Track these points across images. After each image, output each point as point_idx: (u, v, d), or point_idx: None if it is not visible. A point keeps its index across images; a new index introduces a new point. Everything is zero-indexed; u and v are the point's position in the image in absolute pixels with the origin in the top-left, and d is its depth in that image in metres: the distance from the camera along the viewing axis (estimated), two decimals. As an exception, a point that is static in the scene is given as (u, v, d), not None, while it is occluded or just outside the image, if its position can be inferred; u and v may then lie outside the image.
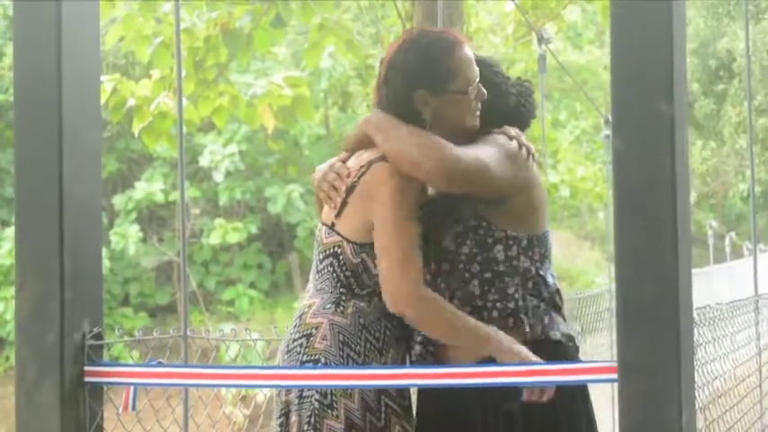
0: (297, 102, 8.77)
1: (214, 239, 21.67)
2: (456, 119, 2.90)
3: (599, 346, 8.11)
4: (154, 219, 23.02)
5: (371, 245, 2.80)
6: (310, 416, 2.76)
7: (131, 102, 8.32)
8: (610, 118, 3.26)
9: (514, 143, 2.92)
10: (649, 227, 2.10)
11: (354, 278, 2.83)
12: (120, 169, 22.77)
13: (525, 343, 2.80)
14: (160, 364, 2.54)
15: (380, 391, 2.78)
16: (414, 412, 2.89)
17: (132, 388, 2.54)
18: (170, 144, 8.66)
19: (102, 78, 7.82)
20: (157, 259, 22.24)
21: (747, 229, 27.57)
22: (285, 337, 2.92)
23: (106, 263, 19.63)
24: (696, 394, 2.39)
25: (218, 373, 2.61)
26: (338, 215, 2.86)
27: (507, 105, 3.05)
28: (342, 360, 2.77)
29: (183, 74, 7.59)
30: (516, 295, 2.84)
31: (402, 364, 2.86)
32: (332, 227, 2.88)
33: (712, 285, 19.29)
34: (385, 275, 2.75)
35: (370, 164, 2.82)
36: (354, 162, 2.88)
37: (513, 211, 2.88)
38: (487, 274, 2.85)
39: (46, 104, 2.40)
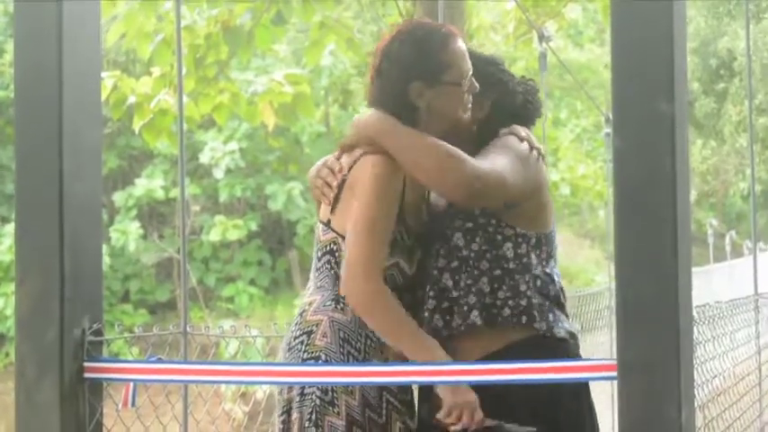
0: (297, 99, 8.77)
1: (214, 236, 21.65)
2: (449, 111, 2.89)
3: (598, 345, 8.11)
4: (154, 215, 23.01)
5: None
6: (311, 413, 2.76)
7: (132, 99, 8.32)
8: (610, 116, 3.26)
9: (525, 145, 2.93)
10: (649, 225, 2.10)
11: None
12: (120, 166, 22.76)
13: (531, 339, 2.82)
14: (160, 361, 2.54)
15: (382, 388, 2.78)
16: (415, 408, 2.90)
17: (132, 384, 2.54)
18: (170, 141, 8.66)
19: (103, 75, 7.82)
20: (157, 256, 22.23)
21: (747, 227, 27.56)
22: (286, 334, 2.93)
23: (106, 259, 19.63)
24: (695, 392, 2.40)
25: (217, 369, 2.61)
26: (332, 211, 2.86)
27: (515, 104, 3.06)
28: (342, 357, 2.78)
29: (184, 71, 7.59)
30: (529, 293, 2.85)
31: (403, 360, 2.86)
32: (327, 224, 2.88)
33: (712, 284, 19.28)
34: (349, 260, 2.74)
35: (360, 157, 2.82)
36: (347, 158, 2.88)
37: (524, 212, 2.90)
38: (497, 272, 2.86)
39: (46, 101, 2.40)
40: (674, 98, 2.09)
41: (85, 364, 2.42)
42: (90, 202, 2.49)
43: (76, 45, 2.44)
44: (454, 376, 2.46)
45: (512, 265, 2.87)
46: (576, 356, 2.91)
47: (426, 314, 2.86)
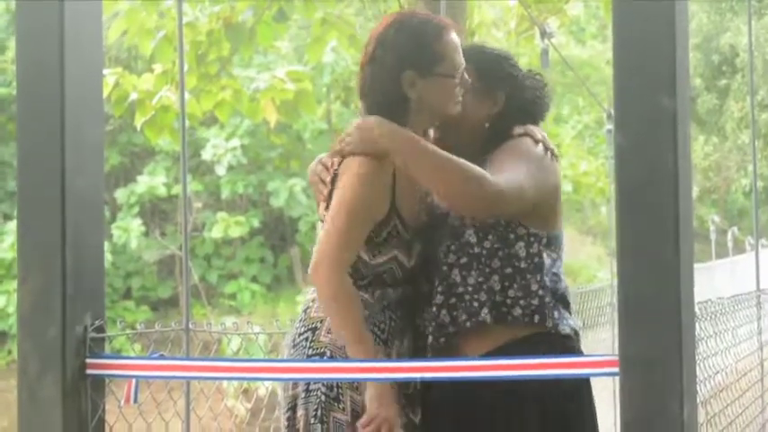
0: (299, 96, 8.76)
1: (216, 233, 21.66)
2: (439, 103, 2.88)
3: (600, 341, 8.11)
4: (156, 212, 23.02)
5: None
6: (317, 409, 2.76)
7: (134, 95, 8.32)
8: (612, 113, 3.25)
9: (541, 148, 2.92)
10: (651, 222, 2.10)
11: (353, 269, 2.83)
12: (122, 163, 22.76)
13: (536, 336, 2.82)
14: (162, 357, 2.54)
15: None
16: (418, 401, 2.89)
17: (134, 381, 2.54)
18: (172, 138, 8.65)
19: (105, 72, 7.82)
20: (159, 253, 22.23)
21: (749, 224, 27.54)
22: (291, 331, 2.93)
23: (108, 256, 19.61)
24: (698, 388, 2.39)
25: (219, 365, 2.61)
26: (327, 207, 2.86)
27: (526, 99, 3.05)
28: (347, 353, 2.78)
29: (186, 68, 7.57)
30: (541, 292, 2.85)
31: (407, 355, 2.86)
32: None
33: (714, 280, 19.28)
34: (319, 249, 2.75)
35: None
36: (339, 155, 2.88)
37: (538, 213, 2.90)
38: (508, 270, 2.86)
39: (48, 98, 2.40)
40: (676, 94, 2.09)
41: (88, 360, 2.42)
42: (92, 199, 2.49)
43: (78, 42, 2.44)
44: (458, 372, 2.45)
45: (523, 265, 2.86)
46: (578, 353, 2.92)
47: (434, 309, 2.86)
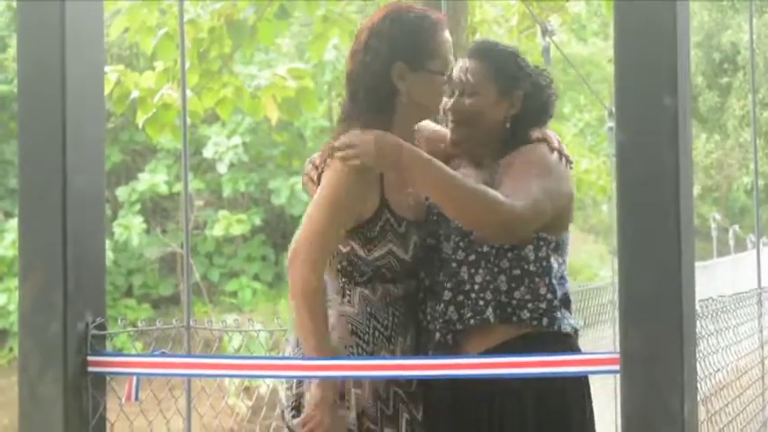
0: (301, 93, 8.75)
1: (218, 231, 21.66)
2: (428, 100, 2.87)
3: (601, 339, 8.11)
4: (157, 210, 23.01)
5: (355, 230, 2.81)
6: None
7: (135, 93, 8.31)
8: (613, 111, 3.26)
9: (556, 156, 2.91)
10: (653, 219, 2.10)
11: (351, 266, 2.84)
12: (123, 161, 22.76)
13: (537, 334, 2.82)
14: (163, 355, 2.54)
15: (389, 380, 2.79)
16: (420, 398, 2.89)
17: (135, 378, 2.54)
18: (174, 135, 8.65)
19: (106, 70, 7.82)
20: (161, 250, 22.23)
21: (751, 222, 27.53)
22: (294, 330, 2.93)
23: (110, 254, 19.63)
24: (698, 386, 2.39)
25: (221, 363, 2.61)
26: None
27: (541, 99, 3.03)
28: (351, 350, 2.78)
29: (187, 65, 7.58)
30: (549, 296, 2.85)
31: (411, 351, 2.87)
32: None
33: (715, 278, 19.28)
34: (297, 245, 2.76)
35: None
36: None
37: (550, 221, 2.89)
38: (516, 272, 2.85)
39: (49, 96, 2.40)
40: (678, 92, 2.09)
41: (89, 358, 2.42)
42: (93, 197, 2.49)
43: (79, 39, 2.44)
44: (459, 370, 2.45)
45: (532, 268, 2.86)
46: (578, 350, 2.92)
47: (441, 306, 2.85)
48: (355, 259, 2.83)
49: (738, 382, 4.56)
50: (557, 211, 2.87)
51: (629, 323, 2.09)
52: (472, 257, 2.87)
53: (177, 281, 21.96)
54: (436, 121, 3.04)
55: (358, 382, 2.76)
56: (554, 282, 2.88)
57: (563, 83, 24.30)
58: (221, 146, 21.71)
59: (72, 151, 2.40)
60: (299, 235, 2.78)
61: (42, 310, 2.38)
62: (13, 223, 19.47)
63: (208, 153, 21.80)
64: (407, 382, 2.83)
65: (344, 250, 2.84)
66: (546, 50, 7.99)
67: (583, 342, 3.01)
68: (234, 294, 21.99)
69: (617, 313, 2.13)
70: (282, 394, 2.90)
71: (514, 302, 2.84)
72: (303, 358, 2.76)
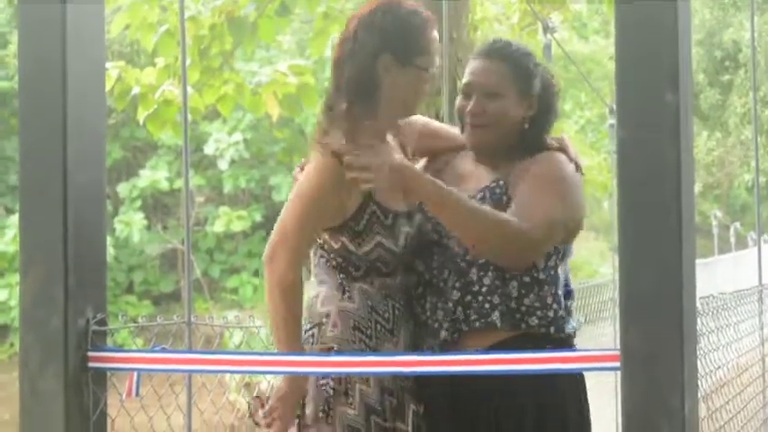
0: (301, 90, 8.74)
1: (218, 227, 21.67)
2: (410, 96, 2.86)
3: (601, 336, 8.11)
4: (158, 207, 23.02)
5: (342, 225, 2.81)
6: (324, 404, 2.76)
7: (136, 89, 8.30)
8: (614, 108, 3.26)
9: (573, 167, 2.91)
10: (653, 217, 2.10)
11: (346, 262, 2.84)
12: (124, 157, 22.77)
13: (537, 333, 2.83)
14: (164, 350, 2.54)
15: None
16: (417, 393, 2.89)
17: (136, 374, 2.54)
18: (175, 132, 8.64)
19: (107, 66, 7.81)
20: (162, 247, 22.25)
21: (752, 219, 27.52)
22: None
23: (110, 250, 19.65)
24: (699, 383, 2.39)
25: (221, 359, 2.61)
26: None
27: (552, 100, 3.03)
28: (354, 345, 2.78)
29: (188, 62, 7.57)
30: (555, 306, 2.85)
31: (412, 344, 2.86)
32: None
33: (716, 276, 19.27)
34: (276, 240, 2.78)
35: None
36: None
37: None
38: (526, 278, 2.85)
39: (51, 92, 2.40)
40: (679, 89, 2.09)
41: (89, 353, 2.42)
42: (94, 193, 2.49)
43: (80, 36, 2.44)
44: (458, 366, 2.45)
45: (542, 276, 2.86)
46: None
47: (450, 305, 2.84)
48: (347, 254, 2.83)
49: (739, 379, 4.57)
50: (570, 223, 2.87)
51: (630, 320, 2.09)
52: (482, 260, 2.85)
53: (178, 277, 21.98)
54: (438, 118, 3.03)
55: (363, 377, 2.77)
56: (560, 291, 2.88)
57: (564, 80, 24.25)
58: (222, 142, 21.71)
59: (73, 147, 2.40)
60: (275, 233, 2.79)
61: (43, 305, 2.38)
62: (14, 219, 19.48)
63: (209, 149, 21.80)
64: (406, 377, 2.83)
65: (336, 246, 2.84)
66: (547, 48, 7.98)
67: (583, 339, 3.02)
68: (235, 291, 22.00)
69: (617, 310, 2.13)
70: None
71: (524, 309, 2.83)
72: (304, 354, 2.76)
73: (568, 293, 2.95)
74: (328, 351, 2.78)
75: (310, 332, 2.84)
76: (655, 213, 2.10)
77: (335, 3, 9.22)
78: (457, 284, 2.85)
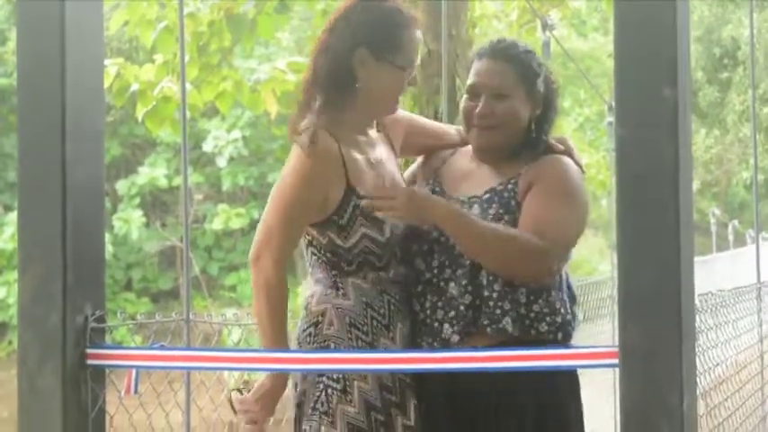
0: (300, 88, 8.74)
1: (217, 225, 21.66)
2: (385, 94, 2.85)
3: (600, 333, 8.12)
4: (157, 204, 23.02)
5: (326, 220, 2.81)
6: (323, 402, 2.76)
7: (135, 86, 8.31)
8: (613, 105, 3.26)
9: (578, 171, 2.91)
10: (652, 214, 2.09)
11: (336, 257, 2.84)
12: (123, 154, 22.76)
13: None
14: (162, 347, 2.54)
15: None
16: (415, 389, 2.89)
17: (134, 371, 2.54)
18: (173, 129, 8.65)
19: (106, 63, 7.81)
20: (160, 244, 22.25)
21: (750, 217, 27.53)
22: (296, 330, 2.93)
23: (109, 248, 19.63)
24: (698, 380, 2.40)
25: (220, 355, 2.61)
26: None
27: (555, 100, 3.03)
28: (351, 342, 2.78)
29: (187, 59, 7.57)
30: (563, 310, 2.85)
31: (409, 339, 2.86)
32: None
33: (715, 273, 19.28)
34: (257, 238, 2.82)
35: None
36: None
37: None
38: (534, 285, 2.84)
39: (49, 89, 2.40)
40: (678, 87, 2.09)
41: (88, 350, 2.42)
42: (92, 190, 2.49)
43: (79, 32, 2.44)
44: (460, 363, 2.45)
45: (549, 281, 2.86)
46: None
47: (462, 308, 2.83)
48: (336, 249, 2.83)
49: (738, 376, 4.57)
50: (582, 229, 2.88)
51: (629, 317, 2.09)
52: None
53: (176, 275, 21.98)
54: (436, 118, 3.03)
55: (362, 375, 2.76)
56: (565, 295, 2.88)
57: (563, 77, 24.26)
58: (221, 140, 21.71)
59: (71, 144, 2.40)
60: (259, 232, 2.80)
61: (42, 302, 2.38)
62: (13, 216, 19.48)
63: (207, 147, 21.80)
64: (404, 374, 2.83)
65: (324, 242, 2.84)
66: (546, 45, 7.98)
67: (582, 336, 3.03)
68: (233, 288, 21.99)
69: (616, 308, 2.13)
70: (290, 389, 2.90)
71: (533, 315, 2.82)
72: (303, 351, 2.76)
73: (571, 297, 2.94)
74: (325, 350, 2.78)
75: (307, 331, 2.84)
76: (653, 211, 2.09)
77: (334, 0, 9.22)
78: (469, 288, 2.82)
